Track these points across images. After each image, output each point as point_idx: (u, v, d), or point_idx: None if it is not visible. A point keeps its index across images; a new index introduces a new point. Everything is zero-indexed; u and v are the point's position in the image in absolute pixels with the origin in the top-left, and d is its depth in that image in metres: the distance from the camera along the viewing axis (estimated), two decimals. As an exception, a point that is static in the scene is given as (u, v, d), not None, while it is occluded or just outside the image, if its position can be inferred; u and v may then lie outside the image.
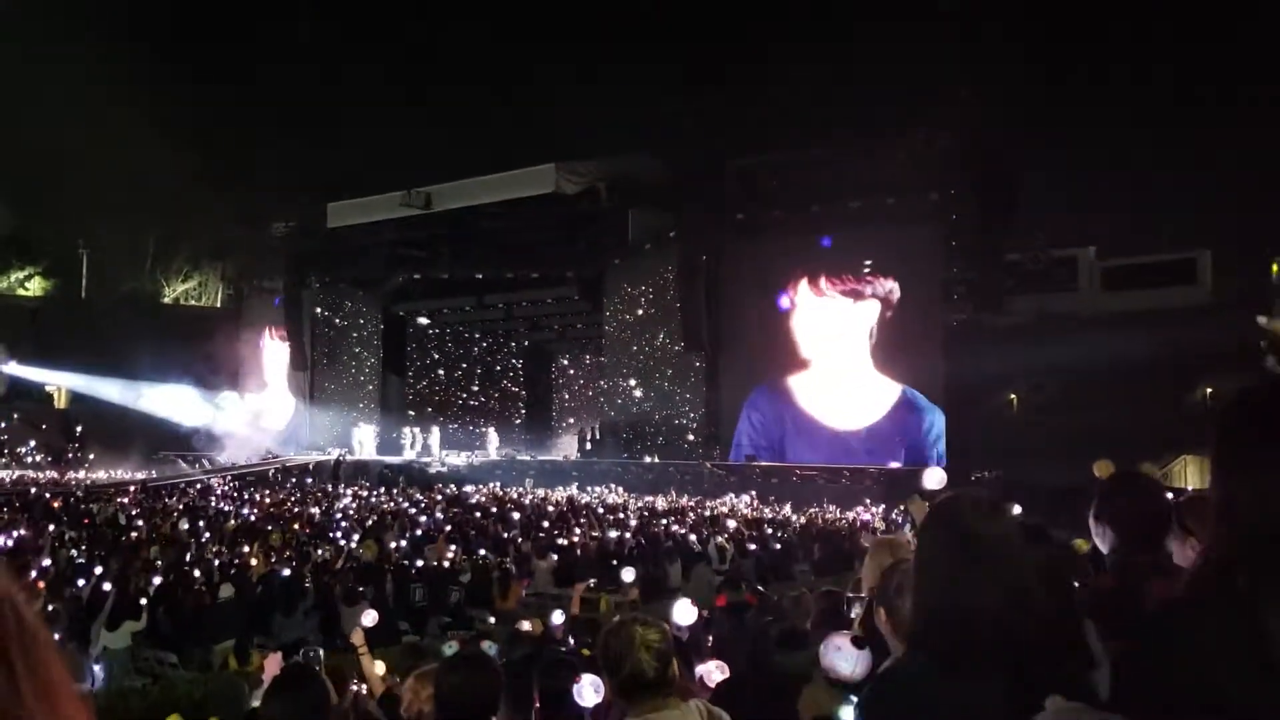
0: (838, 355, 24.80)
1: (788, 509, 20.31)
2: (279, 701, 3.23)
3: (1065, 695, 1.75)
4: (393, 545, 14.00)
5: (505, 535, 15.59)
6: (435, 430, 32.05)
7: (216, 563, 12.81)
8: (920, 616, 1.91)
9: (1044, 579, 1.97)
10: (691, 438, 27.57)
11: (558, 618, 6.52)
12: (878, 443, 23.92)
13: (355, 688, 4.92)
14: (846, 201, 24.67)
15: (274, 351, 37.29)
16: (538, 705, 3.66)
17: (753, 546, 14.15)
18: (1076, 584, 2.66)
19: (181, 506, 20.31)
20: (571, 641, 5.80)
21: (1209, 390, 22.74)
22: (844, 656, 2.80)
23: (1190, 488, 17.54)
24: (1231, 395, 1.26)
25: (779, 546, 14.65)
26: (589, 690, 3.07)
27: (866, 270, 24.39)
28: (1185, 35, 31.39)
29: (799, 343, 25.45)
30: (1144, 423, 20.27)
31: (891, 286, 24.00)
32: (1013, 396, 26.73)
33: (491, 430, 33.09)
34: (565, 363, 39.71)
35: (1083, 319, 26.02)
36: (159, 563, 12.64)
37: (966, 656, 1.76)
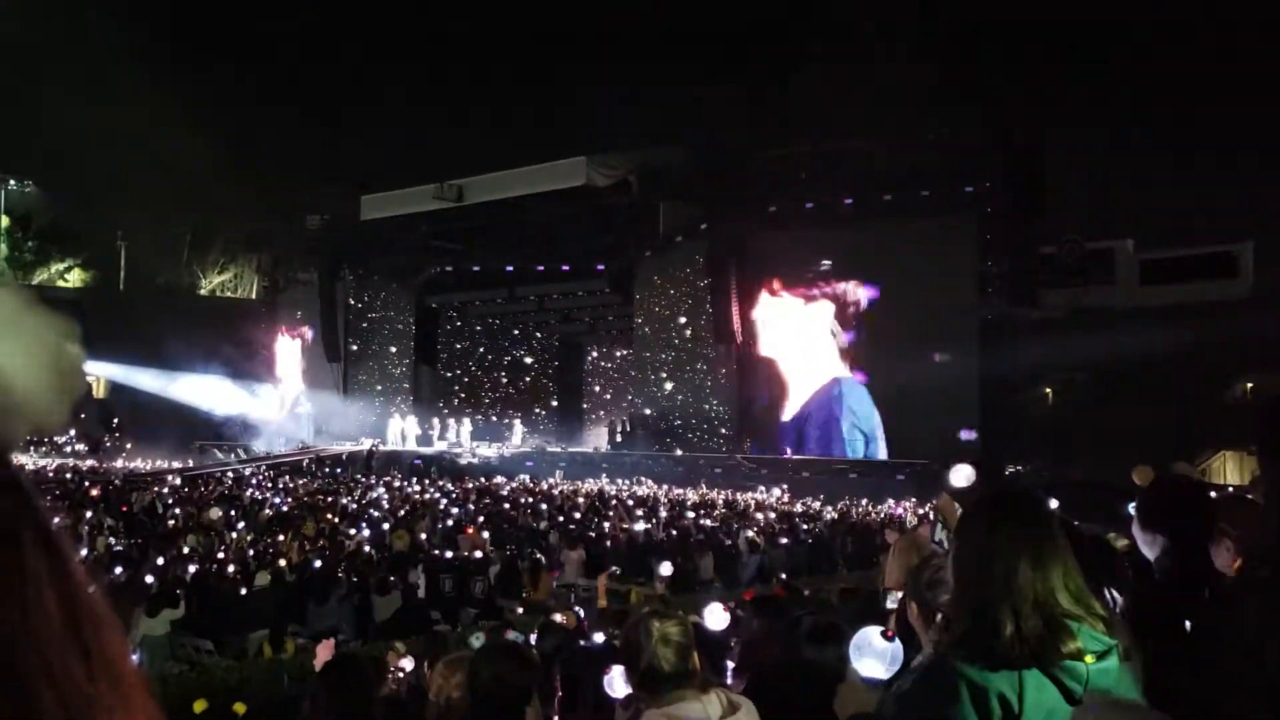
0: (789, 354, 26.14)
1: (818, 503, 20.23)
2: (329, 687, 3.30)
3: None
4: (423, 536, 14.10)
5: (536, 526, 15.65)
6: (466, 421, 32.22)
7: (251, 551, 12.98)
8: (960, 615, 1.90)
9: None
10: (724, 431, 27.53)
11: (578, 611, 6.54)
12: (785, 431, 25.94)
13: (393, 674, 5.00)
14: (879, 193, 24.47)
15: (286, 347, 37.74)
16: (560, 694, 3.68)
17: (784, 540, 14.12)
18: (1119, 588, 2.62)
19: (217, 495, 20.54)
20: (599, 636, 5.80)
21: (1249, 385, 22.33)
22: (875, 650, 2.78)
23: (1230, 484, 17.28)
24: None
25: (810, 541, 14.60)
26: (619, 680, 3.08)
27: (824, 269, 25.32)
28: (1223, 26, 30.83)
29: (758, 339, 26.62)
30: (1182, 419, 19.95)
31: (847, 288, 24.95)
32: (1048, 391, 26.43)
33: (517, 422, 33.24)
34: (596, 355, 39.75)
35: (1120, 313, 25.63)
36: (199, 550, 12.83)
37: (1005, 653, 1.74)
